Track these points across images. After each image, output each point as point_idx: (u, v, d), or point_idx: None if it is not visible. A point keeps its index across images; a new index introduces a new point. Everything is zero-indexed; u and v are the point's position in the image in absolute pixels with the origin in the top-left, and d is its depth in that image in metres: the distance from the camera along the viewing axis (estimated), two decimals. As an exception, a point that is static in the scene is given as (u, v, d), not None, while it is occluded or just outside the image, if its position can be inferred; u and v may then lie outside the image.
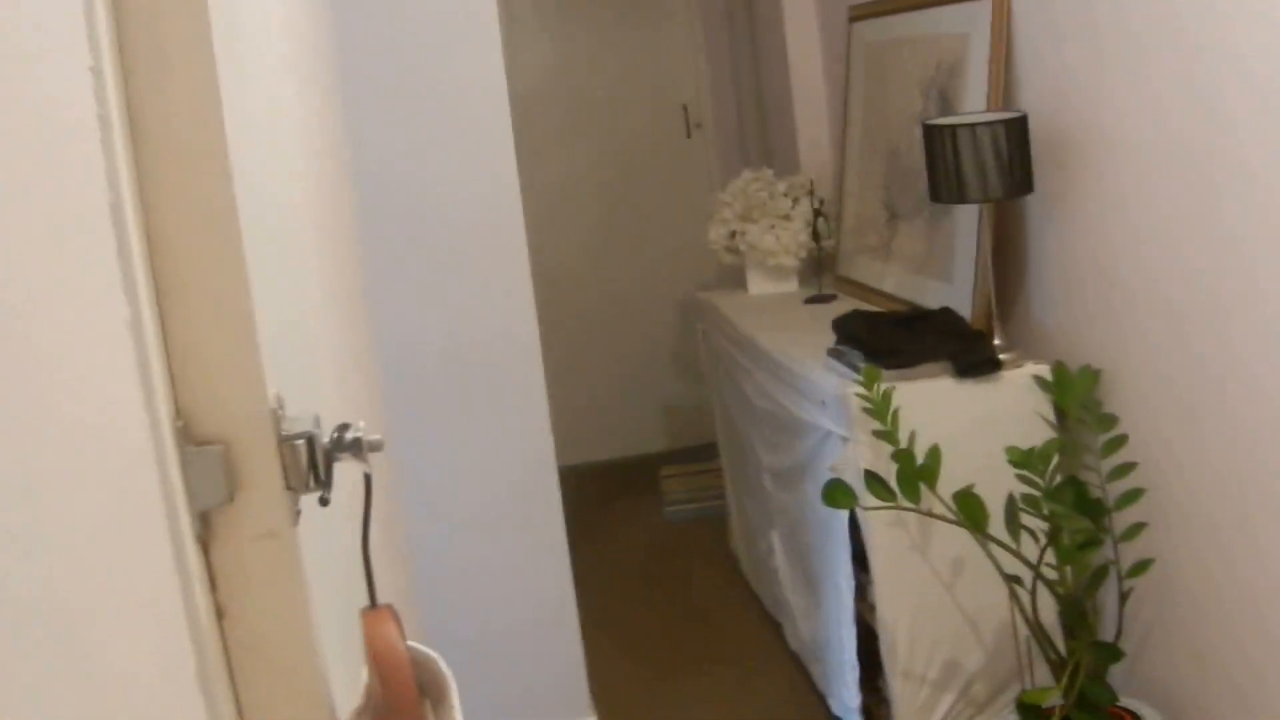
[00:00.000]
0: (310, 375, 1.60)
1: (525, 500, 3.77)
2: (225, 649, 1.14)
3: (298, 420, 1.17)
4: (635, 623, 4.80)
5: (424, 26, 3.50)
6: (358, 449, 1.20)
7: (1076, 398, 3.31)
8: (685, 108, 6.43)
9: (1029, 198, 3.54)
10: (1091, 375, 3.33)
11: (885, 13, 4.38)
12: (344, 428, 1.20)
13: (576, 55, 6.37)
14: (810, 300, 4.62)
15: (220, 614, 1.14)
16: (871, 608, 3.54)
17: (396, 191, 3.53)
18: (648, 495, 5.96)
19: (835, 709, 3.85)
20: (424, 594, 3.43)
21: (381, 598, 1.34)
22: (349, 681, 1.34)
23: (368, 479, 1.25)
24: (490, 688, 3.77)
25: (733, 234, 4.81)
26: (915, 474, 3.15)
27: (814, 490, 3.49)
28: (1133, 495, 3.16)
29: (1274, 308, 2.67)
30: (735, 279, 5.03)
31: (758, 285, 4.87)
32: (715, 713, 4.09)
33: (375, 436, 1.21)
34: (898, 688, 3.47)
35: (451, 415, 3.67)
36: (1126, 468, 3.18)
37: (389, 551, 2.35)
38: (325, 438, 1.19)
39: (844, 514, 3.47)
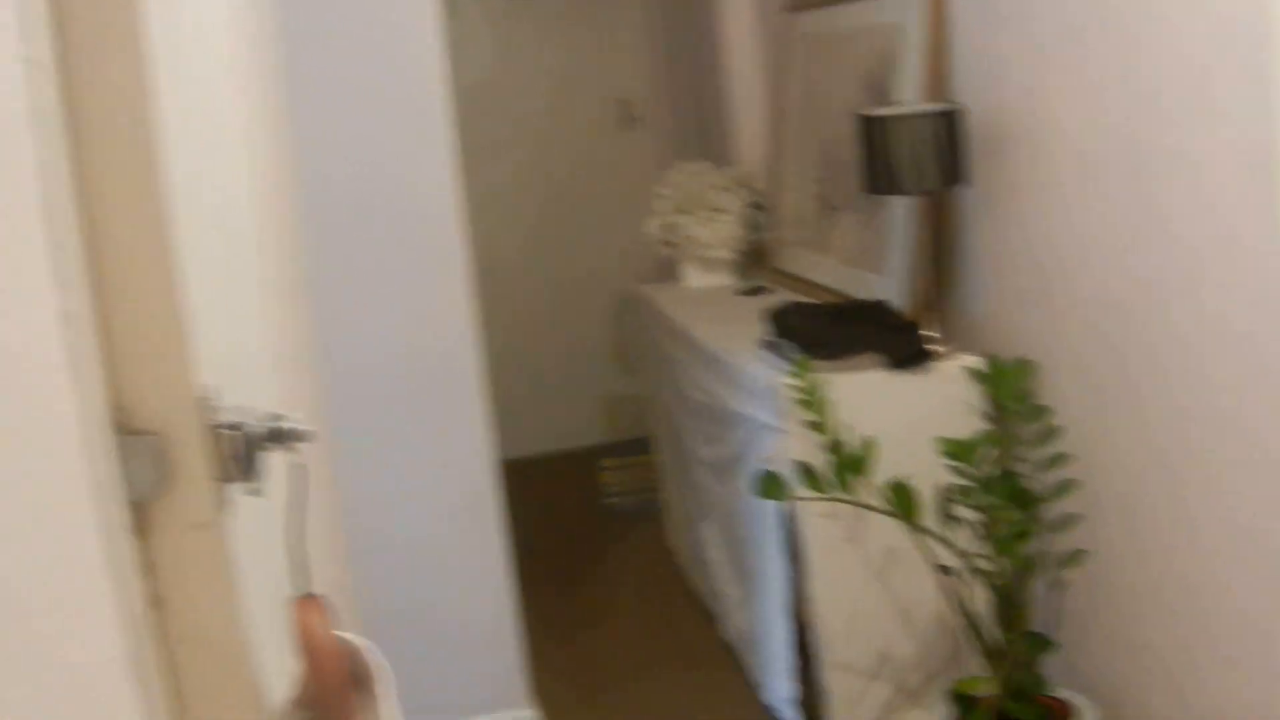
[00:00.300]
0: (245, 368, 1.61)
1: (466, 493, 3.77)
2: (161, 639, 1.14)
3: (229, 411, 1.17)
4: (574, 615, 4.80)
5: (366, 21, 3.49)
6: (288, 439, 1.20)
7: (1010, 389, 3.34)
8: (625, 101, 6.43)
9: (964, 189, 3.56)
10: (1025, 367, 3.35)
11: (823, 3, 4.40)
12: (275, 418, 1.21)
13: (518, 49, 6.36)
14: (745, 292, 4.64)
15: (156, 604, 1.14)
16: (805, 599, 3.56)
17: (337, 186, 3.52)
18: (587, 488, 5.97)
19: (769, 700, 3.87)
20: (363, 588, 3.42)
21: (316, 589, 1.34)
22: (284, 670, 1.35)
23: (298, 469, 1.26)
24: (430, 680, 3.76)
25: (669, 226, 4.81)
26: (848, 465, 3.17)
27: (747, 481, 3.51)
28: (1066, 486, 3.19)
29: (1212, 299, 2.69)
30: (672, 271, 5.04)
31: (693, 278, 4.87)
32: (651, 704, 4.10)
33: (306, 427, 1.22)
34: (831, 678, 3.49)
35: (392, 410, 3.67)
36: (1060, 459, 3.21)
37: (327, 544, 2.35)
38: (256, 428, 1.19)
39: (777, 506, 3.48)
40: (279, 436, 1.20)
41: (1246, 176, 2.53)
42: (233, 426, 1.15)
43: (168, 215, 1.12)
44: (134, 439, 1.11)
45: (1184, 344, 2.81)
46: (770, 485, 3.25)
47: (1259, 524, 2.67)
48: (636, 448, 5.86)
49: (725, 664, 4.24)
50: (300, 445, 1.22)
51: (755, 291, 4.60)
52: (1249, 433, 2.66)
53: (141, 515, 1.13)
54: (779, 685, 3.73)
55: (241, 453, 1.16)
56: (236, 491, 1.20)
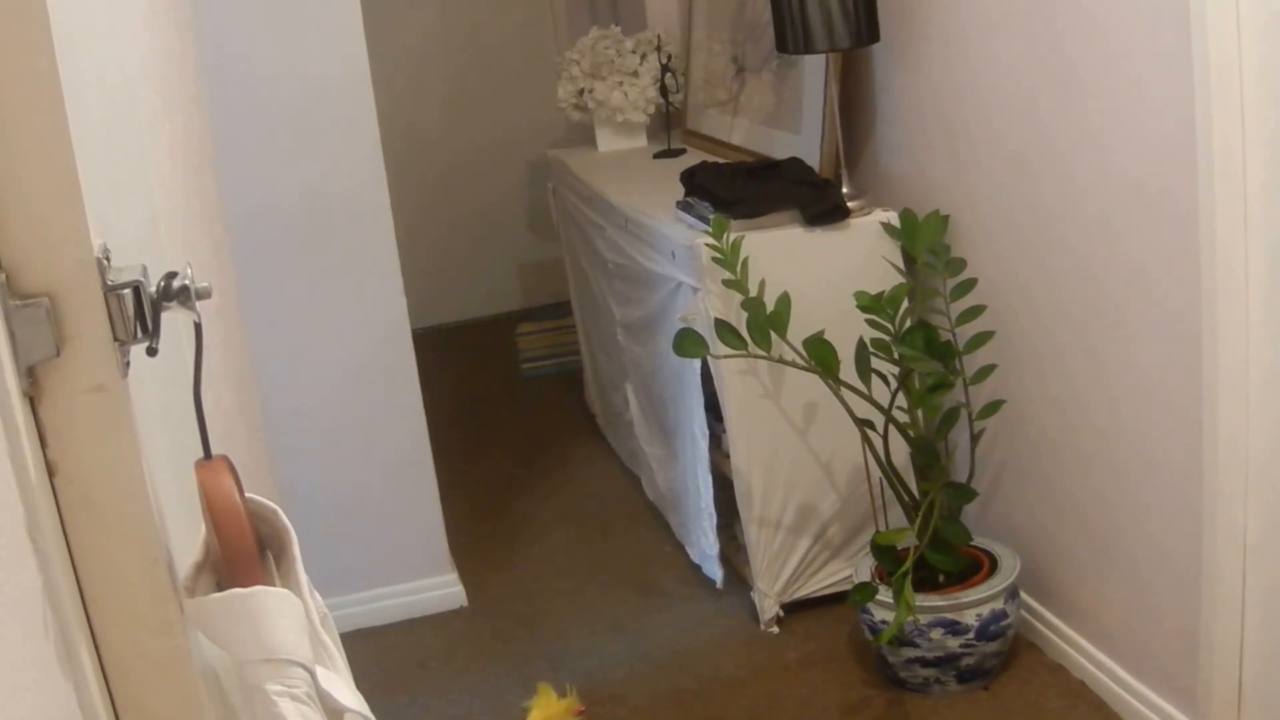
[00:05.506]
0: (145, 231, 1.57)
1: (380, 362, 3.75)
2: (58, 505, 1.12)
3: (124, 270, 1.14)
4: (494, 481, 4.81)
5: None
6: (185, 296, 1.17)
7: (925, 243, 3.34)
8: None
9: (875, 47, 3.55)
10: (939, 220, 3.36)
11: None
12: (171, 276, 1.18)
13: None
14: (659, 155, 4.62)
15: (51, 471, 1.12)
16: (726, 456, 3.57)
17: (245, 54, 3.46)
18: (504, 354, 5.95)
19: (694, 557, 3.89)
20: (282, 459, 3.41)
21: (232, 456, 1.32)
22: (188, 536, 1.33)
23: (198, 328, 1.23)
24: (351, 549, 3.77)
25: (581, 92, 4.78)
26: (766, 322, 3.17)
27: (666, 342, 3.50)
28: (982, 338, 3.21)
29: (1115, 150, 2.70)
30: (585, 136, 5.00)
31: (607, 142, 4.85)
32: (575, 566, 4.11)
33: (203, 284, 1.19)
34: (754, 534, 3.51)
35: (305, 278, 3.64)
36: (976, 310, 3.22)
37: (239, 410, 2.33)
38: (153, 287, 1.16)
39: (696, 364, 3.48)
40: (176, 294, 1.17)
41: (1153, 28, 2.52)
42: (128, 285, 1.12)
43: (54, 76, 1.09)
44: (27, 302, 1.08)
45: (1086, 195, 2.83)
46: (689, 343, 3.25)
47: (1164, 371, 2.69)
48: (553, 312, 5.85)
49: (648, 523, 4.26)
50: (198, 303, 1.19)
51: (670, 154, 4.58)
52: (1148, 281, 2.69)
53: (37, 380, 1.10)
54: (703, 542, 3.75)
55: (138, 312, 1.13)
56: (135, 353, 1.17)
